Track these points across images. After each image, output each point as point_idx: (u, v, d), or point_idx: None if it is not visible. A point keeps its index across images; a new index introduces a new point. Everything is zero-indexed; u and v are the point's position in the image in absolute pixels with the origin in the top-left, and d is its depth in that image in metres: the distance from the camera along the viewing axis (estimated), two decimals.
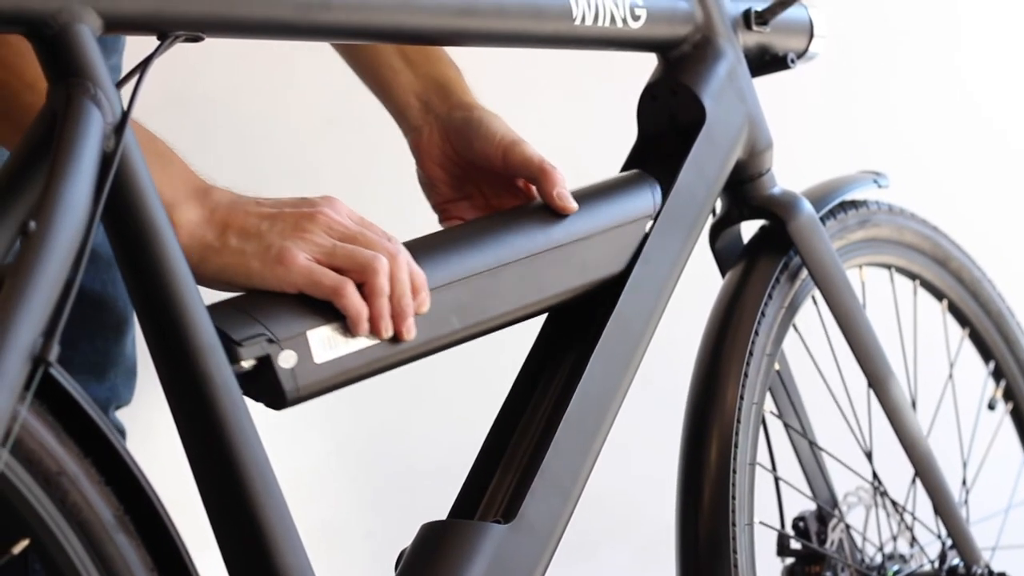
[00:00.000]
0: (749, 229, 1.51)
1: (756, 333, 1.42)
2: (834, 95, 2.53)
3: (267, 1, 1.04)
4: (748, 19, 1.46)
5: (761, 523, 1.41)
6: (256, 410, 1.00)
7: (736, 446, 1.37)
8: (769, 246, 1.47)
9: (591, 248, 1.26)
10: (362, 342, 1.09)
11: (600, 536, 2.31)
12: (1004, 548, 1.81)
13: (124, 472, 0.91)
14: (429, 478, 1.82)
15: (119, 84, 0.95)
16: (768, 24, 1.47)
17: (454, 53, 1.36)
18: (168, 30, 0.99)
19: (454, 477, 1.23)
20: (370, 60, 1.36)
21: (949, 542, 1.61)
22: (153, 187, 0.95)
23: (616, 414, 1.24)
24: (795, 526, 1.57)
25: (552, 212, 1.26)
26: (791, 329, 1.49)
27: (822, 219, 1.50)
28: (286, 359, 1.05)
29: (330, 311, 1.08)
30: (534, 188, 1.29)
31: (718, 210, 1.48)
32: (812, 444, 1.58)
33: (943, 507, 1.58)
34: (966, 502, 1.72)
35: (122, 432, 1.51)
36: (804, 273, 1.48)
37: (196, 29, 1.00)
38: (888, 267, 1.65)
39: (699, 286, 1.51)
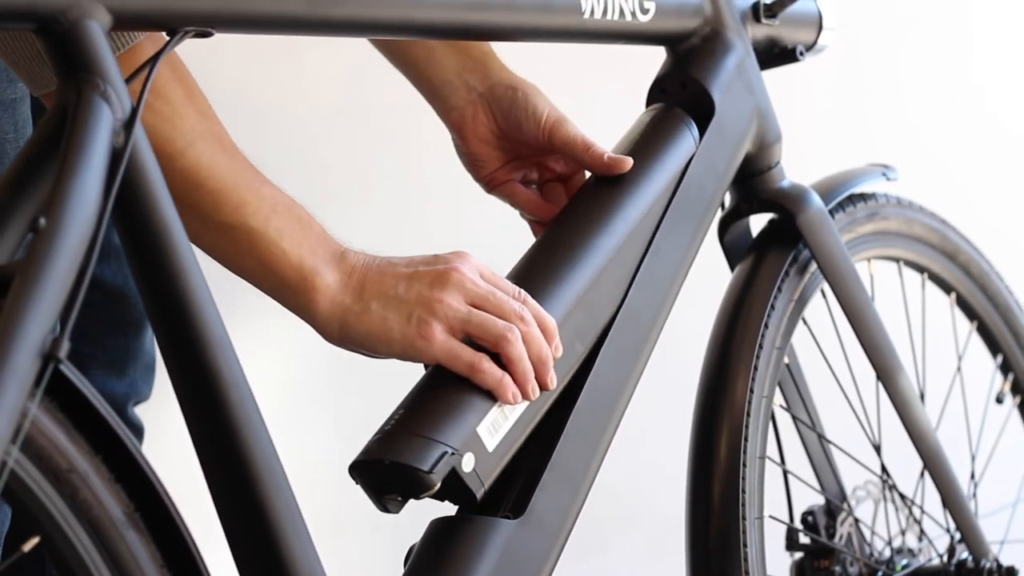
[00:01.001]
0: (758, 223, 1.50)
1: (766, 326, 1.42)
2: (843, 88, 2.52)
3: None
4: (757, 12, 1.45)
5: (771, 517, 1.41)
6: (264, 405, 1.00)
7: (746, 439, 1.37)
8: (778, 239, 1.47)
9: (657, 207, 1.29)
10: (517, 411, 1.14)
11: (610, 530, 2.30)
12: (1013, 542, 1.81)
13: (134, 469, 0.91)
14: None
15: (129, 80, 0.95)
16: (777, 17, 1.47)
17: None
18: (177, 26, 0.99)
19: None
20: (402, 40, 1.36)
21: (958, 536, 1.60)
22: (163, 182, 0.95)
23: (626, 407, 1.24)
24: (804, 520, 1.57)
25: (612, 191, 1.28)
26: (800, 322, 1.49)
27: (831, 212, 1.50)
28: (467, 463, 1.10)
29: (484, 394, 1.12)
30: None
31: (727, 203, 1.48)
32: (821, 437, 1.58)
33: (952, 501, 1.58)
34: (975, 496, 1.72)
35: (140, 428, 1.51)
36: (813, 266, 1.47)
37: (206, 25, 1.00)
38: (897, 260, 1.65)
39: (708, 280, 1.51)
